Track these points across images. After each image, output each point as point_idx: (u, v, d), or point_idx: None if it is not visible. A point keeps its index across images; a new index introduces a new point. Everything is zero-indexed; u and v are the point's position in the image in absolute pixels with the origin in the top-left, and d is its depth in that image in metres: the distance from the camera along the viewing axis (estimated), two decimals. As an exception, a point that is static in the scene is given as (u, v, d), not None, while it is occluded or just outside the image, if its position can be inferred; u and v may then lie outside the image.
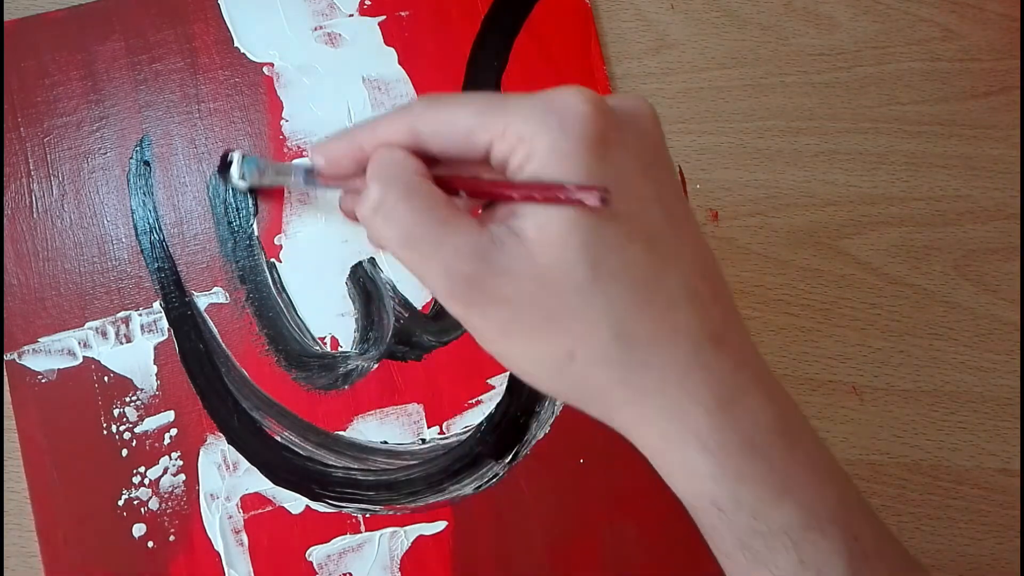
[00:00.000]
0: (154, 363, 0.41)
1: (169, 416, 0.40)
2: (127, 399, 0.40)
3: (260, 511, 0.40)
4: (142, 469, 0.40)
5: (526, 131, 0.24)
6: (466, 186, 0.26)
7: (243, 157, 0.39)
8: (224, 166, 0.40)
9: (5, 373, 0.40)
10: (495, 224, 0.25)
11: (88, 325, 0.41)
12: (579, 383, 0.26)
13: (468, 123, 0.25)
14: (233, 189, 0.42)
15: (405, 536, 0.40)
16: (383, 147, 0.27)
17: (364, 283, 0.42)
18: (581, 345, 0.25)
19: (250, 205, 0.42)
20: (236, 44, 0.43)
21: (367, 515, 0.40)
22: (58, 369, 0.40)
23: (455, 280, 0.25)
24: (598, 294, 0.24)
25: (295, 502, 0.40)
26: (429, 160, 0.27)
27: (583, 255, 0.24)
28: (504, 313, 0.25)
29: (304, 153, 0.43)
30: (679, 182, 0.27)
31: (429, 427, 0.41)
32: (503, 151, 0.25)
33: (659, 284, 0.25)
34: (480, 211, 0.28)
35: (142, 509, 0.39)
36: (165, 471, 0.40)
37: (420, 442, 0.41)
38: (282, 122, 0.43)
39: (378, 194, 0.25)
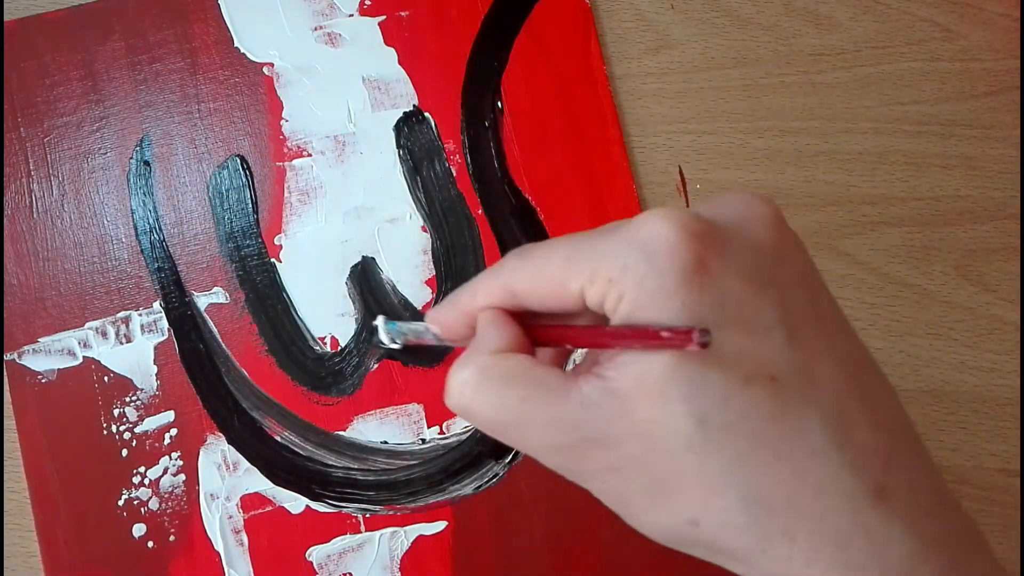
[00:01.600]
0: (154, 363, 0.41)
1: (169, 416, 0.40)
2: (127, 399, 0.40)
3: (260, 511, 0.40)
4: (142, 469, 0.40)
5: (614, 271, 0.21)
6: (561, 338, 0.24)
7: (385, 322, 0.39)
8: (372, 330, 0.40)
9: (5, 373, 0.40)
10: (587, 381, 0.22)
11: (88, 325, 0.41)
12: (714, 549, 0.22)
13: (558, 273, 0.23)
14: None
15: (405, 536, 0.40)
16: (481, 314, 0.25)
17: (364, 283, 0.42)
18: (703, 512, 0.21)
19: (250, 205, 0.42)
20: (236, 44, 0.43)
21: (367, 515, 0.40)
22: (58, 369, 0.40)
23: (554, 455, 0.23)
24: (712, 453, 0.20)
25: (295, 502, 0.40)
26: (532, 315, 0.24)
27: (687, 407, 0.20)
28: (614, 481, 0.22)
29: (304, 153, 0.43)
30: (821, 290, 0.23)
31: (429, 427, 0.41)
32: (595, 296, 0.22)
33: (792, 432, 0.20)
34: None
35: (142, 509, 0.39)
36: (165, 471, 0.40)
37: (420, 442, 0.41)
38: (282, 122, 0.43)
39: (455, 387, 0.23)
